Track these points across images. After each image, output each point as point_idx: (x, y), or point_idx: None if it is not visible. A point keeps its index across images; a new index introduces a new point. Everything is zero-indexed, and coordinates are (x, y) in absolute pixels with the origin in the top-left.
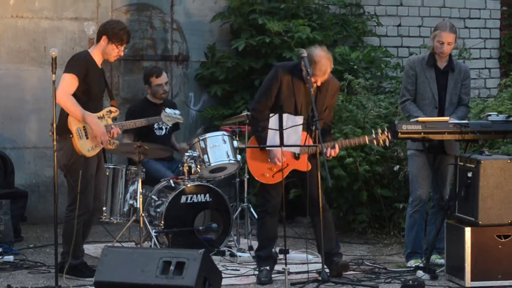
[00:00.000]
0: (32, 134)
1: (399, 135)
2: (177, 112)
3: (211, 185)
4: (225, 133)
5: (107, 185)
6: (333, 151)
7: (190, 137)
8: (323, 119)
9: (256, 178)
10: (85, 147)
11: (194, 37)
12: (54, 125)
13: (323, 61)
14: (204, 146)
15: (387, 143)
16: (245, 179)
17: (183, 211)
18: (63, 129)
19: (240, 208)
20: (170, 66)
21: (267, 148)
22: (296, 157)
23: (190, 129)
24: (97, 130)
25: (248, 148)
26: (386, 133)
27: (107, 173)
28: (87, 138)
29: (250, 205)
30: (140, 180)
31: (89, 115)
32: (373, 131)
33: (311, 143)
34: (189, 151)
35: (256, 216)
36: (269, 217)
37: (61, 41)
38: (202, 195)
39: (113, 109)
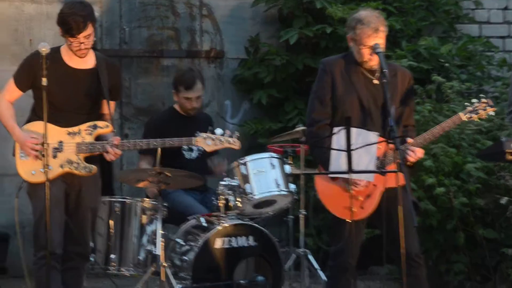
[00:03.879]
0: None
1: (508, 156)
2: (222, 132)
3: (255, 225)
4: (273, 154)
5: (115, 225)
6: (415, 152)
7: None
8: (401, 122)
9: (336, 215)
10: (28, 169)
11: (231, 26)
12: (45, 145)
13: (369, 16)
14: (245, 173)
15: (492, 113)
16: (301, 215)
17: (218, 260)
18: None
19: (294, 256)
20: (199, 65)
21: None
22: (381, 168)
23: (227, 150)
24: (17, 140)
25: (305, 174)
26: (485, 100)
27: (116, 209)
28: (28, 155)
29: (308, 251)
30: (160, 219)
31: (13, 126)
32: (466, 104)
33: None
34: (226, 179)
35: (317, 267)
36: (345, 276)
37: (52, 32)
38: (244, 238)
39: (101, 123)
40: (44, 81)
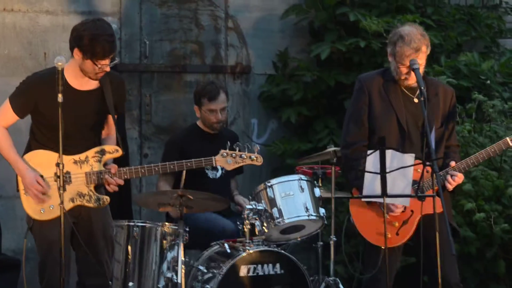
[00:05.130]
0: None
1: None
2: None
3: (282, 251)
4: (302, 177)
5: (134, 251)
6: (454, 178)
7: (252, 184)
8: (442, 143)
9: (372, 242)
10: (35, 208)
11: (258, 40)
12: (61, 167)
13: (412, 34)
14: (272, 196)
15: None
16: (332, 242)
17: None
18: (16, 181)
19: (324, 284)
20: (224, 81)
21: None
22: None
23: (253, 172)
24: (22, 179)
25: (337, 198)
26: None
27: (135, 234)
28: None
29: (338, 281)
30: (182, 244)
31: (14, 159)
32: None
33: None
34: (251, 202)
35: None
36: None
37: (68, 45)
38: (271, 266)
39: (109, 148)
40: (60, 97)
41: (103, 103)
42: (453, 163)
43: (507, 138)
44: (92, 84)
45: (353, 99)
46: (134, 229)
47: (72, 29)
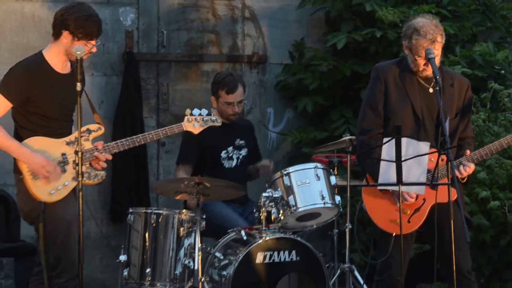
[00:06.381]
0: None
1: None
2: (207, 112)
3: (298, 239)
4: (318, 165)
5: (151, 238)
6: (467, 168)
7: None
8: (456, 135)
9: (383, 229)
10: (45, 190)
11: (275, 29)
12: (80, 155)
13: (426, 26)
14: (289, 184)
15: None
16: (347, 229)
17: (259, 275)
18: (15, 167)
19: (339, 271)
20: (241, 70)
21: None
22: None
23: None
24: (30, 163)
25: (352, 186)
26: None
27: (152, 222)
28: (45, 177)
29: (353, 267)
30: (199, 231)
31: (15, 146)
32: None
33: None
34: (268, 190)
35: (362, 283)
36: None
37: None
38: (287, 252)
39: (93, 126)
40: (79, 86)
41: (75, 85)
42: (468, 152)
43: None
44: (68, 68)
45: (369, 87)
46: (152, 216)
47: (56, 15)
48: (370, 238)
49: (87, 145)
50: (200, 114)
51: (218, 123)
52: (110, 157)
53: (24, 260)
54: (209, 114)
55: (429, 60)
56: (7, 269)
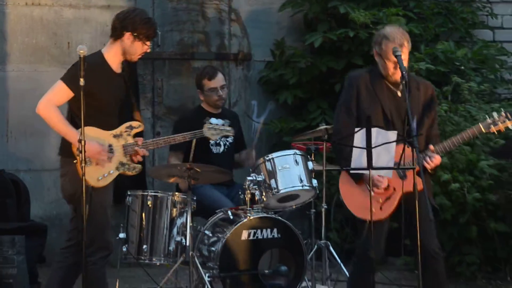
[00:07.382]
0: (52, 153)
1: None
2: (223, 122)
3: (279, 218)
4: (297, 152)
5: (147, 217)
6: (433, 159)
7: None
8: (423, 133)
9: (356, 216)
10: (94, 176)
11: (258, 30)
12: (83, 143)
13: (394, 32)
14: (271, 169)
15: (510, 126)
16: (323, 209)
17: (244, 251)
18: (66, 151)
19: (316, 247)
20: (228, 67)
21: (353, 172)
22: (402, 176)
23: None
24: (87, 149)
25: (329, 171)
26: (504, 114)
27: (148, 203)
28: (97, 163)
29: (329, 243)
30: (190, 212)
31: (74, 132)
32: (487, 116)
33: (409, 157)
34: (252, 174)
35: (337, 259)
36: (367, 272)
37: (90, 36)
38: (269, 230)
39: (134, 123)
40: (82, 81)
41: (126, 85)
42: (431, 147)
43: (480, 124)
44: (119, 68)
45: (344, 93)
46: (148, 198)
47: (118, 18)
48: (345, 218)
49: (129, 139)
50: (217, 124)
51: (231, 133)
52: (147, 154)
53: (33, 238)
54: (223, 125)
55: (396, 57)
56: (19, 245)
